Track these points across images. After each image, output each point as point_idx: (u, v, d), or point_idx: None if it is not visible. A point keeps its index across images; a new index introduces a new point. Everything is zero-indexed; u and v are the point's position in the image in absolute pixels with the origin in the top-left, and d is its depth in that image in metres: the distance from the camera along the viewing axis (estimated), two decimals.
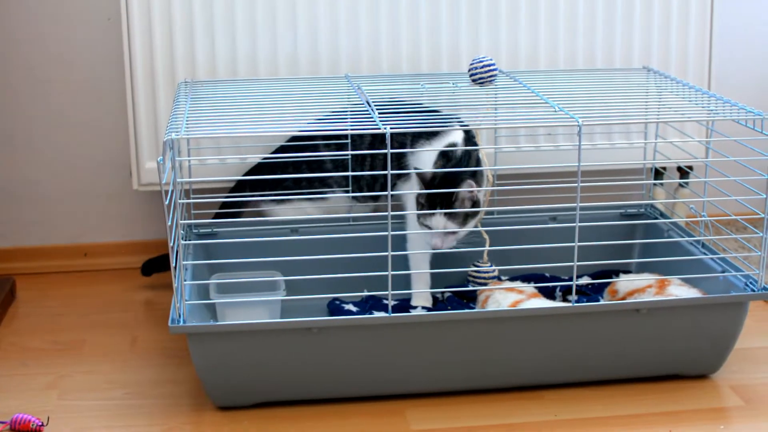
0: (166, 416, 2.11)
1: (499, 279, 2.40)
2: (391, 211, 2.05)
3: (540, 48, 2.77)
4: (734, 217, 2.32)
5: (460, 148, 2.31)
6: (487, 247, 2.36)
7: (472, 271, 2.35)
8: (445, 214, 2.23)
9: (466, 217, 2.25)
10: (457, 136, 2.34)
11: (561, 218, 2.63)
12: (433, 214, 2.24)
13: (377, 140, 2.48)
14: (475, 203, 2.26)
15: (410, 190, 2.34)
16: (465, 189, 2.21)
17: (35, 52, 2.76)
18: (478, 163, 2.32)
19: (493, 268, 2.33)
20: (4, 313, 2.59)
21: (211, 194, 2.59)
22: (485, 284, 2.35)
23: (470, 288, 2.38)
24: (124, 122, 2.77)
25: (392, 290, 2.10)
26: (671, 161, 2.70)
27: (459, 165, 2.29)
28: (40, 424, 2.05)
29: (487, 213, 2.41)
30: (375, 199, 2.54)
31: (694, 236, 2.44)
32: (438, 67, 2.75)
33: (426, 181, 2.27)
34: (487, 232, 2.38)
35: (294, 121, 2.18)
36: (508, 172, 2.74)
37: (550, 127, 2.72)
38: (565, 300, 2.44)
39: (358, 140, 2.50)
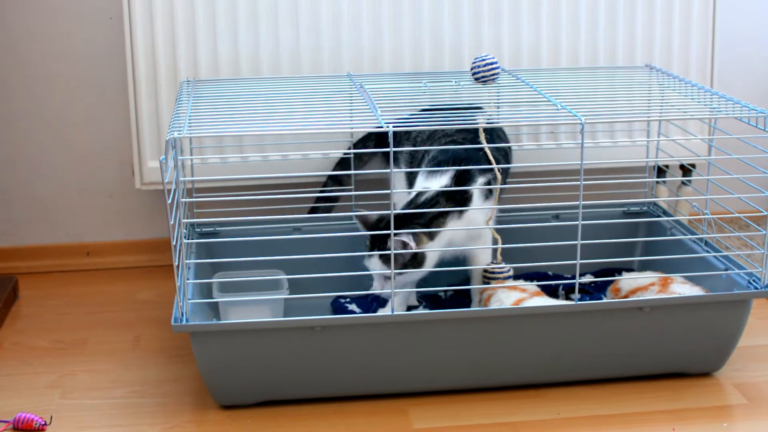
0: (168, 415, 2.11)
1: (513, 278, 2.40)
2: None
3: (542, 46, 2.77)
4: (737, 214, 2.32)
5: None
6: (497, 246, 2.36)
7: (486, 270, 2.34)
8: (380, 257, 2.19)
9: (404, 265, 2.18)
10: (440, 182, 2.27)
11: (564, 216, 2.62)
12: (371, 255, 2.21)
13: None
14: (416, 257, 2.18)
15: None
16: (397, 240, 2.14)
17: (37, 50, 2.76)
18: (464, 203, 2.25)
19: (508, 267, 2.33)
20: (6, 313, 2.59)
21: (213, 193, 2.59)
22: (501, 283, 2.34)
23: (473, 287, 2.38)
24: (127, 121, 2.77)
25: (395, 289, 2.10)
26: (674, 159, 2.70)
27: (412, 214, 2.22)
28: (43, 423, 2.05)
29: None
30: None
31: (697, 234, 2.44)
32: (440, 66, 2.75)
33: (369, 224, 2.23)
34: (494, 230, 2.38)
35: (296, 120, 2.18)
36: (511, 170, 2.74)
37: (552, 125, 2.72)
38: (567, 298, 2.44)
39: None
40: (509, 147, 2.44)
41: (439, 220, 2.22)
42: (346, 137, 2.66)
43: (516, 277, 2.39)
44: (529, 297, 2.20)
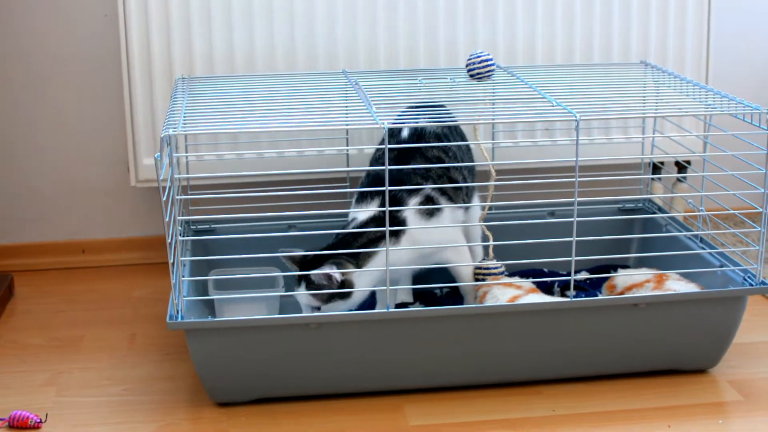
0: (164, 412, 2.11)
1: (505, 274, 2.39)
2: None
3: (537, 43, 2.77)
4: (732, 211, 2.32)
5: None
6: (488, 243, 2.36)
7: (479, 267, 2.34)
8: (308, 289, 2.14)
9: (331, 296, 2.14)
10: (369, 209, 2.23)
11: (559, 213, 2.63)
12: (299, 290, 2.17)
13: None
14: (344, 284, 2.13)
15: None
16: (318, 272, 2.10)
17: (32, 48, 2.76)
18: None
19: (500, 263, 2.33)
20: (2, 310, 2.59)
21: (208, 190, 2.59)
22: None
23: (468, 284, 2.38)
24: (122, 118, 2.77)
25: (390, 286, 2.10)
26: (669, 156, 2.70)
27: (341, 243, 2.18)
28: (38, 420, 2.05)
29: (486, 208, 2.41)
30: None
31: (692, 231, 2.44)
32: (435, 63, 2.75)
33: (297, 262, 2.18)
34: (486, 227, 2.38)
35: (291, 117, 2.18)
36: (506, 167, 2.74)
37: (547, 122, 2.72)
38: (563, 295, 2.44)
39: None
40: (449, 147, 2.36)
41: (368, 248, 2.17)
42: (341, 134, 2.65)
43: (511, 274, 2.39)
44: (525, 294, 2.20)
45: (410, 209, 2.22)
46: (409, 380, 2.16)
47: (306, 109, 2.24)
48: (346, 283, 2.14)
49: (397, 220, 2.20)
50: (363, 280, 2.17)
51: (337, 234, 2.22)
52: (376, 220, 2.20)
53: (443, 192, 2.27)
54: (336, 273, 2.11)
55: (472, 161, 2.40)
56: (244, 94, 2.35)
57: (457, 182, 2.30)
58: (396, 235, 2.19)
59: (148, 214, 2.90)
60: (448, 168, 2.30)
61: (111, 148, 2.84)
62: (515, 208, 2.62)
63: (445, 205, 2.26)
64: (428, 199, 2.24)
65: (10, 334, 2.49)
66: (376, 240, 2.18)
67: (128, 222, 2.91)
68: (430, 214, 2.24)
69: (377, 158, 2.39)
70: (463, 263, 2.31)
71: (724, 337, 2.20)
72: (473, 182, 2.37)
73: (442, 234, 2.25)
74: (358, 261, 2.17)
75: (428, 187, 2.25)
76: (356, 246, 2.17)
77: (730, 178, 2.26)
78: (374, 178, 2.28)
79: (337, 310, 2.16)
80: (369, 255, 2.18)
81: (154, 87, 2.67)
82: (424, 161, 2.27)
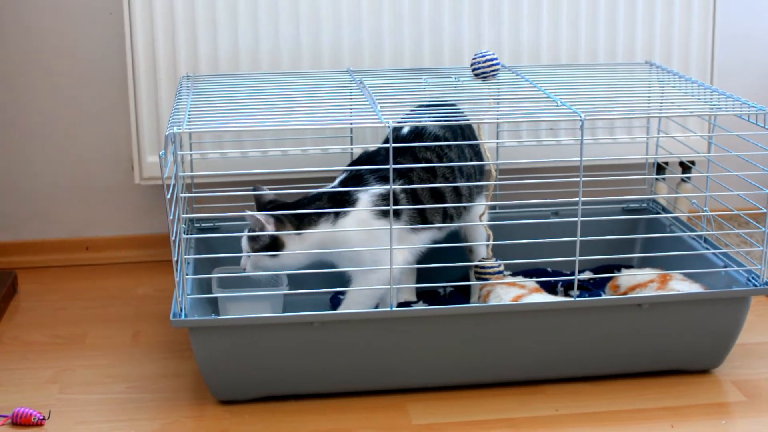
0: (167, 410, 2.11)
1: (504, 274, 2.40)
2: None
3: (542, 42, 2.77)
4: (736, 212, 2.32)
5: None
6: (489, 242, 2.36)
7: (477, 266, 2.34)
8: (248, 236, 2.19)
9: (260, 247, 2.16)
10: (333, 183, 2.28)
11: (563, 213, 2.63)
12: (244, 233, 2.21)
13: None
14: (276, 243, 2.15)
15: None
16: (256, 215, 2.14)
17: (37, 46, 2.76)
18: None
19: (499, 262, 2.33)
20: (5, 307, 2.59)
21: (212, 188, 2.59)
22: (490, 279, 2.34)
23: (472, 283, 2.38)
24: (126, 116, 2.77)
25: (394, 284, 2.10)
26: (673, 156, 2.70)
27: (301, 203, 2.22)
28: (41, 418, 2.05)
29: (490, 208, 2.40)
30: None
31: (696, 231, 2.44)
32: (440, 62, 2.75)
33: (260, 203, 2.22)
34: (489, 226, 2.38)
35: (295, 115, 2.18)
36: (510, 166, 2.74)
37: (552, 122, 2.72)
38: (566, 295, 2.44)
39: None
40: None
41: (311, 217, 2.17)
42: (345, 133, 2.65)
43: (515, 274, 2.39)
44: (528, 293, 2.20)
45: (366, 195, 2.19)
46: (413, 379, 2.16)
47: (310, 108, 2.25)
48: (278, 241, 2.16)
49: (347, 202, 2.19)
50: (295, 244, 2.17)
51: (306, 195, 2.24)
52: (329, 194, 2.21)
53: (412, 197, 2.23)
54: (269, 224, 2.15)
55: (476, 173, 2.39)
56: (249, 93, 2.35)
57: (442, 194, 2.26)
58: (336, 216, 2.19)
59: (152, 211, 2.90)
60: (435, 174, 2.26)
61: (115, 146, 2.84)
62: (519, 208, 2.62)
63: (405, 207, 2.21)
64: (394, 198, 2.16)
65: (14, 331, 2.49)
66: (319, 214, 2.18)
67: (132, 219, 2.91)
68: (385, 215, 2.16)
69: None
70: (369, 280, 2.19)
71: (728, 338, 2.20)
72: (475, 187, 2.36)
73: (380, 243, 2.15)
74: (300, 225, 2.17)
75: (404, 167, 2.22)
76: (301, 209, 2.18)
77: (734, 179, 2.26)
78: (358, 158, 2.30)
79: (263, 264, 2.18)
80: (311, 222, 2.18)
81: (158, 85, 2.67)
82: (413, 161, 2.26)
